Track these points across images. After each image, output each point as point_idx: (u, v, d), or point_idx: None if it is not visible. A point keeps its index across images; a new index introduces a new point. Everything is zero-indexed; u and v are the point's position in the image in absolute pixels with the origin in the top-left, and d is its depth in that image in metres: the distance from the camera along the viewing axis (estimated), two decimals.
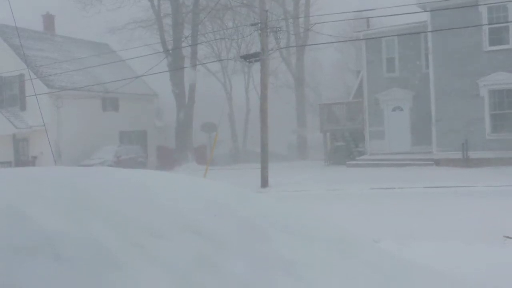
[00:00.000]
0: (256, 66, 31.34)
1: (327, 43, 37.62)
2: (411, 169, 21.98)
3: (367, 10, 23.52)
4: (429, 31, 22.97)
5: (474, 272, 4.48)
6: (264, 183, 19.77)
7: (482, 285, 4.15)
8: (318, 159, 32.65)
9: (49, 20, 37.19)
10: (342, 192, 16.76)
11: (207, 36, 38.94)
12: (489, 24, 21.95)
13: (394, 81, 26.01)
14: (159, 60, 29.21)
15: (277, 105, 45.41)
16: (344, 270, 3.50)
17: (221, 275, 2.94)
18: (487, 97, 22.15)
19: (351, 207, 13.18)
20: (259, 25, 20.78)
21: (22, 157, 31.23)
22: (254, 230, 3.56)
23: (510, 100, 21.79)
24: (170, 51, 34.80)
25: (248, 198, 4.17)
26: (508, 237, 8.35)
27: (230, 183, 5.07)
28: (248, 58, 22.37)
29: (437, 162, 22.74)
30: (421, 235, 8.32)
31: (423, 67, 24.88)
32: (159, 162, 36.16)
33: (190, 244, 3.11)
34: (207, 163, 26.27)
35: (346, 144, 28.79)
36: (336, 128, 29.08)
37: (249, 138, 46.77)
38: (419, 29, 24.13)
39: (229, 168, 32.40)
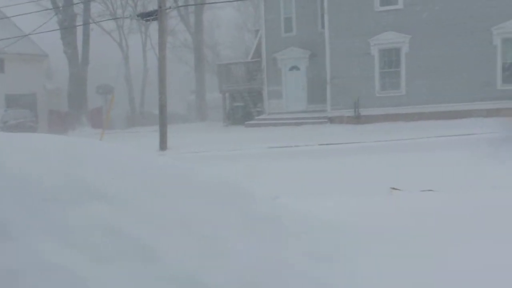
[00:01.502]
0: (154, 25, 30.48)
1: (226, 1, 37.12)
2: (307, 127, 22.70)
3: None
4: None
5: (354, 220, 4.81)
6: (163, 145, 19.55)
7: (355, 227, 4.48)
8: (218, 120, 32.77)
9: None
10: (241, 152, 16.99)
11: None
12: None
13: (291, 41, 26.45)
14: (49, 18, 27.52)
15: (176, 65, 44.69)
16: (242, 224, 3.60)
17: (126, 241, 2.91)
18: (377, 56, 23.21)
19: (250, 166, 13.43)
20: None
21: None
22: (156, 190, 3.54)
23: (398, 59, 22.98)
24: (61, 8, 32.88)
25: (147, 160, 4.12)
26: (394, 188, 8.94)
27: (128, 146, 4.97)
28: (145, 16, 21.67)
29: (331, 120, 23.66)
30: (315, 191, 8.68)
31: (319, 27, 25.49)
32: (50, 126, 34.55)
33: (92, 210, 3.04)
34: (103, 127, 25.49)
35: (245, 104, 29.09)
36: (235, 88, 29.23)
37: (147, 100, 45.83)
38: None
39: (126, 131, 31.67)
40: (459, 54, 21.84)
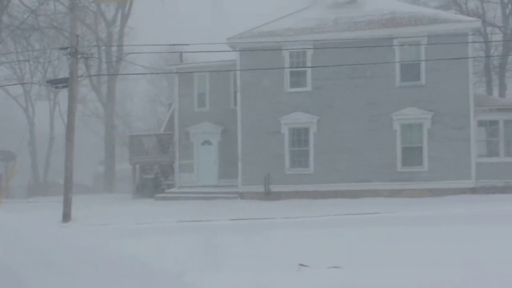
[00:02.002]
0: (64, 92, 29.81)
1: (140, 74, 37.36)
2: (217, 202, 22.60)
3: (181, 44, 23.99)
4: (238, 70, 24.23)
5: None
6: (67, 217, 18.62)
7: None
8: (127, 192, 31.90)
9: None
10: (149, 226, 16.52)
11: (9, 56, 36.10)
12: (290, 67, 23.91)
13: (204, 116, 26.75)
14: None
15: (85, 134, 43.60)
16: None
17: None
18: (287, 135, 23.93)
19: (158, 241, 13.02)
20: (69, 49, 19.85)
21: None
22: (52, 264, 3.29)
23: (307, 138, 23.81)
24: None
25: (44, 231, 3.86)
26: (302, 264, 8.96)
27: (27, 217, 4.66)
28: (55, 83, 21.23)
29: (242, 195, 23.77)
30: (225, 266, 8.52)
31: (232, 104, 26.05)
32: None
33: None
34: (0, 195, 23.96)
35: (155, 177, 28.63)
36: (146, 160, 28.80)
37: (52, 169, 43.98)
38: (230, 67, 25.33)
39: (27, 201, 29.97)
40: (363, 137, 23.01)
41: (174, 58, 36.98)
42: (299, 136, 23.96)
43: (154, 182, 28.41)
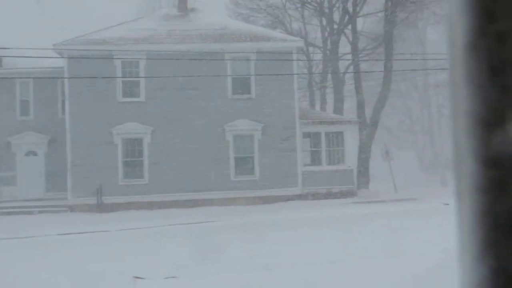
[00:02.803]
0: None
1: None
2: (44, 216, 21.19)
3: (0, 48, 22.14)
4: (65, 78, 23.07)
5: None
6: None
7: None
8: None
9: None
10: None
11: None
12: (122, 77, 23.40)
13: (28, 125, 24.99)
14: None
15: None
16: None
17: None
18: (120, 145, 23.34)
19: None
20: None
21: None
22: None
23: (141, 148, 23.45)
24: None
25: None
26: (137, 277, 8.82)
27: None
28: None
29: (72, 208, 22.57)
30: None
31: (60, 112, 24.68)
32: None
33: None
34: None
35: None
36: None
37: None
38: (57, 74, 24.00)
39: None
40: (198, 147, 23.34)
41: None
42: (133, 146, 23.51)
43: None
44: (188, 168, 23.19)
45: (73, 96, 23.18)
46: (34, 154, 25.06)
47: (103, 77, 22.22)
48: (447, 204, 17.63)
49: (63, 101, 24.02)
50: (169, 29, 25.21)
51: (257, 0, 34.68)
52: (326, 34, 34.07)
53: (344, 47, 32.96)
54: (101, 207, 22.50)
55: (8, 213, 22.19)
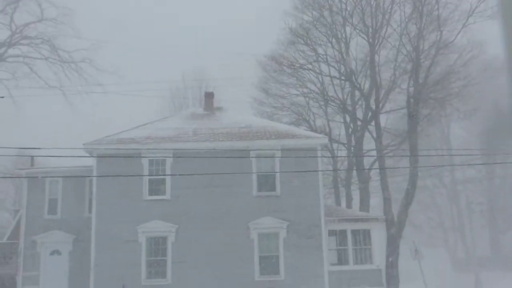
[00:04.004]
0: None
1: None
2: None
3: (32, 148, 22.80)
4: (94, 176, 23.44)
5: None
6: None
7: None
8: None
9: None
10: None
11: None
12: (149, 175, 23.68)
13: (54, 223, 25.12)
14: None
15: None
16: None
17: None
18: (145, 244, 23.13)
19: None
20: None
21: None
22: None
23: (164, 247, 23.19)
24: None
25: None
26: None
27: None
28: None
29: None
30: None
31: (86, 211, 24.85)
32: None
33: None
34: None
35: None
36: None
37: None
38: (85, 173, 24.44)
39: None
40: (221, 246, 22.95)
41: (23, 161, 34.99)
42: (157, 245, 23.28)
43: None
44: (211, 268, 22.71)
45: (100, 194, 23.42)
46: (59, 253, 24.97)
47: (129, 175, 22.49)
48: None
49: (90, 200, 24.25)
50: (195, 127, 25.79)
51: (281, 98, 35.57)
52: (350, 130, 34.39)
53: (369, 143, 33.12)
54: None
55: None
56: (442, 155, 32.74)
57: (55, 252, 24.95)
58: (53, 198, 25.50)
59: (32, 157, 29.18)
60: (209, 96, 29.32)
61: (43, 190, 25.45)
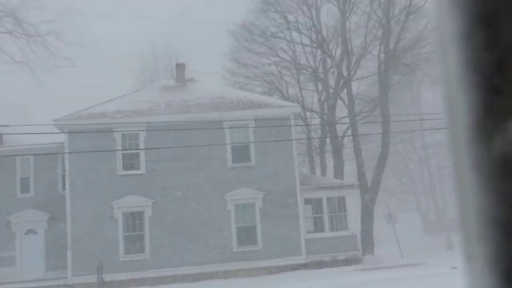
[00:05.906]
0: None
1: None
2: None
3: (0, 125, 22.32)
4: (66, 153, 23.08)
5: None
6: None
7: None
8: None
9: None
10: None
11: None
12: (122, 150, 23.42)
13: (28, 202, 24.77)
14: None
15: None
16: None
17: None
18: (121, 219, 23.03)
19: None
20: None
21: None
22: None
23: (141, 222, 23.13)
24: None
25: None
26: None
27: None
28: None
29: None
30: None
31: (60, 189, 24.55)
32: None
33: None
34: None
35: None
36: None
37: None
38: (57, 150, 24.05)
39: None
40: (198, 219, 23.01)
41: None
42: (134, 220, 23.21)
43: None
44: (189, 241, 22.79)
45: (73, 171, 23.10)
46: (34, 232, 24.71)
47: (103, 151, 22.25)
48: (455, 268, 17.26)
49: (63, 177, 23.92)
50: (167, 100, 25.50)
51: (253, 68, 35.37)
52: (323, 98, 34.51)
53: (341, 110, 33.30)
54: (102, 285, 21.94)
55: None
56: (414, 120, 33.11)
57: (30, 231, 24.68)
58: (25, 177, 25.10)
59: (0, 135, 28.50)
60: (181, 67, 28.90)
61: (14, 169, 24.99)
